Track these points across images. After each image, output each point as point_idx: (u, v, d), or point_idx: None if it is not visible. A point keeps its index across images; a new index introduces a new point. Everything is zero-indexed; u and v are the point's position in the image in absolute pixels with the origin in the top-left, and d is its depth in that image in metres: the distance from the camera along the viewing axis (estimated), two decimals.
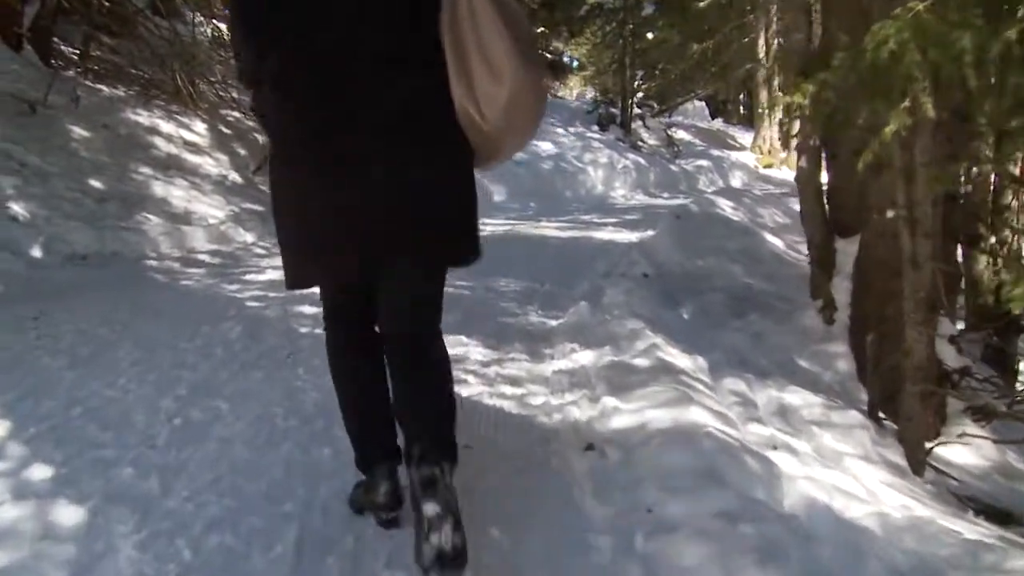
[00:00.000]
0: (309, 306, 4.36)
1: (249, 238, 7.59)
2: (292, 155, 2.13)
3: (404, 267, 2.18)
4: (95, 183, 7.22)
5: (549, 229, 8.79)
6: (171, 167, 8.30)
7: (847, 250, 4.69)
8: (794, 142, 22.39)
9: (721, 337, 4.35)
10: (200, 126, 9.51)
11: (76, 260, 6.00)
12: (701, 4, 20.85)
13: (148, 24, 10.23)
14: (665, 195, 15.12)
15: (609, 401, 3.11)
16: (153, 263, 6.23)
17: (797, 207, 10.84)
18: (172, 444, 2.81)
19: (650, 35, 18.74)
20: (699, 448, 2.54)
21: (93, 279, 5.54)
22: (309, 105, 2.05)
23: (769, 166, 21.50)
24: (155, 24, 10.31)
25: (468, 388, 3.43)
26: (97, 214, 6.69)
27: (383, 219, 2.04)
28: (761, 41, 22.01)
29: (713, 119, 30.57)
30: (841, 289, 4.66)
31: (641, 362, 3.45)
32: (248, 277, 5.80)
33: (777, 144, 22.72)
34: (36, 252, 5.85)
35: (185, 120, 9.44)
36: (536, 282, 5.59)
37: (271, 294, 5.10)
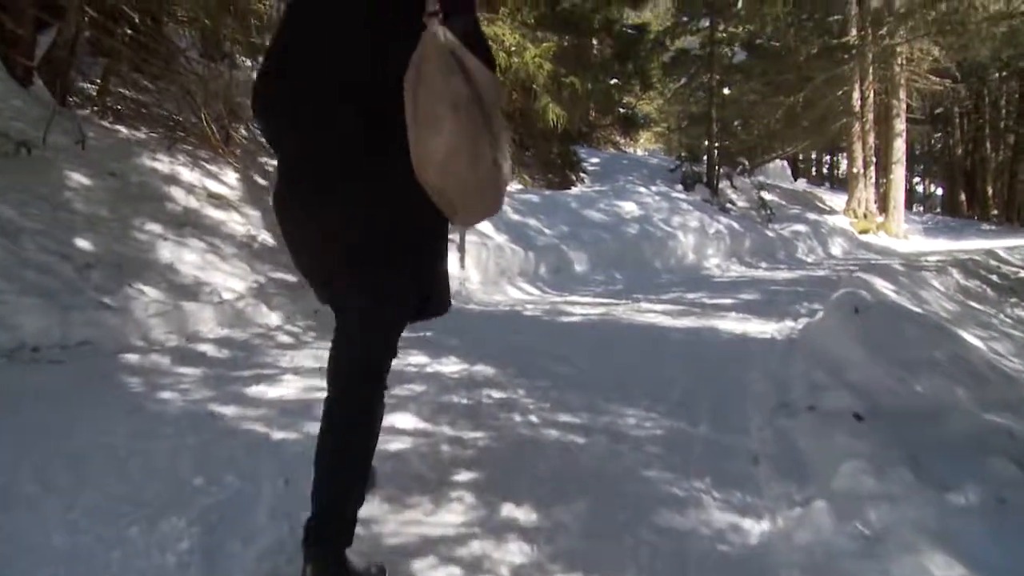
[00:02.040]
0: None
1: (274, 319, 5.90)
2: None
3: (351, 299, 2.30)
4: (82, 243, 5.65)
5: (654, 314, 6.99)
6: (187, 224, 6.72)
7: None
8: (892, 205, 20.84)
9: None
10: (231, 176, 7.96)
11: (21, 354, 4.35)
12: (806, 51, 19.32)
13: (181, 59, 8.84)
14: (763, 265, 13.24)
15: None
16: (133, 359, 4.54)
17: (935, 284, 9.09)
18: None
19: (727, 90, 17.00)
20: None
21: (30, 388, 3.86)
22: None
23: (865, 231, 19.59)
24: (186, 58, 8.89)
25: None
26: (72, 286, 5.07)
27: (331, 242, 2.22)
28: (856, 94, 20.26)
29: (795, 179, 28.78)
30: None
31: None
32: (257, 389, 4.08)
33: (873, 207, 20.84)
34: None
35: (214, 168, 7.89)
36: (680, 417, 3.78)
37: (284, 432, 3.39)
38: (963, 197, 37.94)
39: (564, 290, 8.95)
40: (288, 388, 4.13)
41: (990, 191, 36.54)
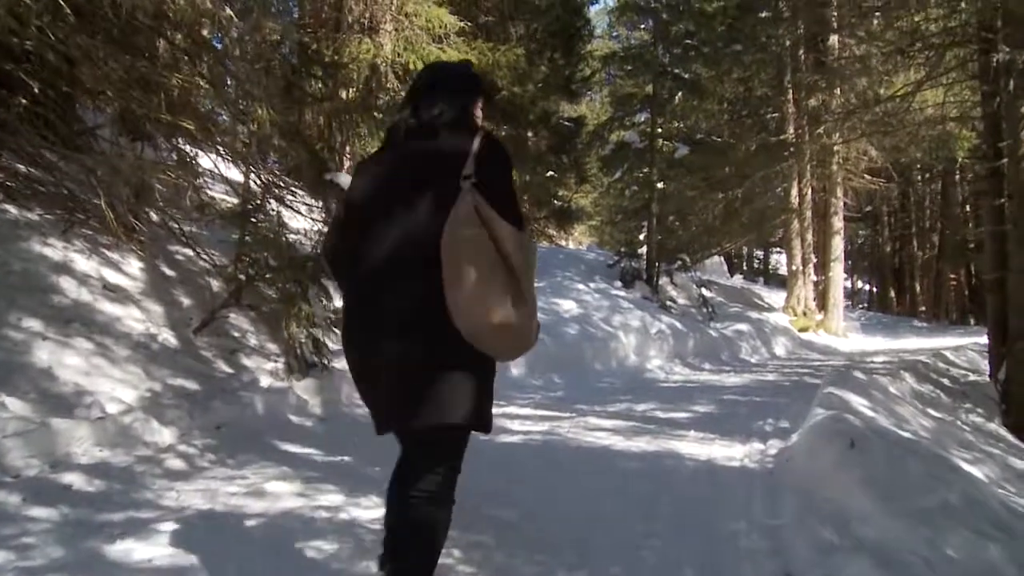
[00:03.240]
0: None
1: (166, 437, 5.02)
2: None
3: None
4: None
5: (605, 433, 6.25)
6: (74, 320, 5.84)
7: None
8: (832, 303, 20.69)
9: None
10: (134, 265, 7.08)
11: None
12: (744, 147, 19.22)
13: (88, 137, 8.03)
14: (707, 367, 12.66)
15: None
16: None
17: (893, 391, 8.55)
18: None
19: (660, 184, 16.71)
20: None
21: None
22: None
23: (805, 329, 19.32)
24: (94, 136, 8.08)
25: None
26: None
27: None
28: (795, 191, 20.21)
29: (731, 276, 28.73)
30: None
31: None
32: (121, 548, 3.21)
33: (812, 305, 20.63)
34: None
35: (115, 257, 7.02)
36: None
37: None
38: (893, 293, 38.57)
39: (500, 397, 8.09)
40: (163, 545, 3.27)
41: (918, 288, 37.23)
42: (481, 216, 2.38)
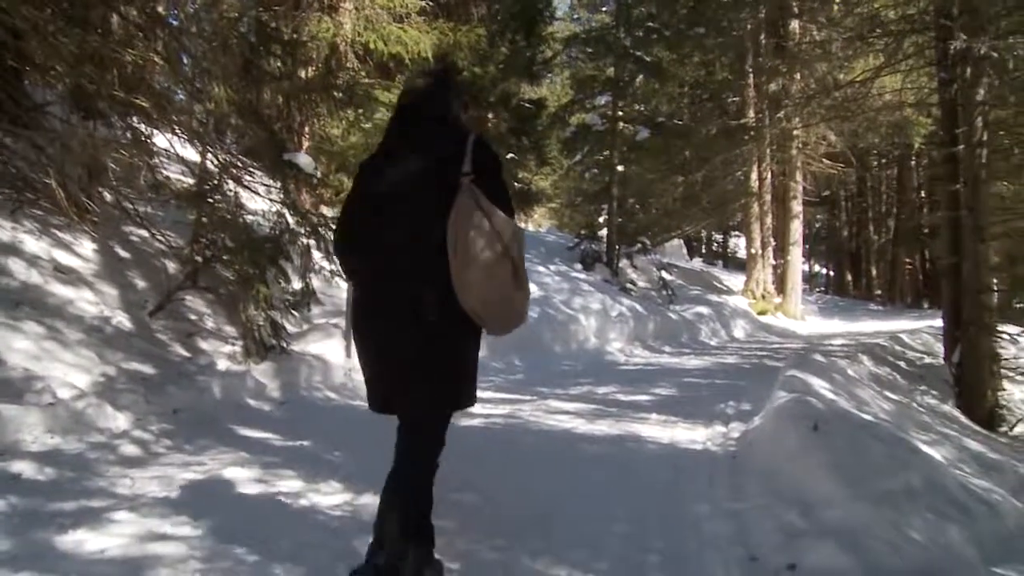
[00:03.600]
0: None
1: (121, 422, 4.92)
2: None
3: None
4: None
5: (566, 416, 6.23)
6: (23, 303, 5.69)
7: None
8: (790, 286, 20.88)
9: None
10: (87, 246, 6.93)
11: None
12: (705, 131, 19.28)
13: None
14: (667, 349, 12.70)
15: None
16: None
17: (852, 374, 8.62)
18: None
19: (620, 168, 16.70)
20: None
21: None
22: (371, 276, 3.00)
23: (764, 312, 19.47)
24: (44, 113, 7.86)
25: None
26: None
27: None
28: (754, 175, 20.33)
29: (691, 259, 28.90)
30: None
31: None
32: (73, 539, 3.13)
33: (771, 288, 20.79)
34: None
35: (67, 238, 6.86)
36: None
37: None
38: (849, 277, 39.07)
39: None
40: (116, 535, 3.19)
41: (874, 272, 37.73)
42: (481, 208, 2.76)
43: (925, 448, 4.70)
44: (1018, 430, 9.81)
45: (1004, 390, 10.53)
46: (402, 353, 2.85)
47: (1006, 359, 10.54)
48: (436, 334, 2.81)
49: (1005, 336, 10.41)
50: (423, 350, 2.82)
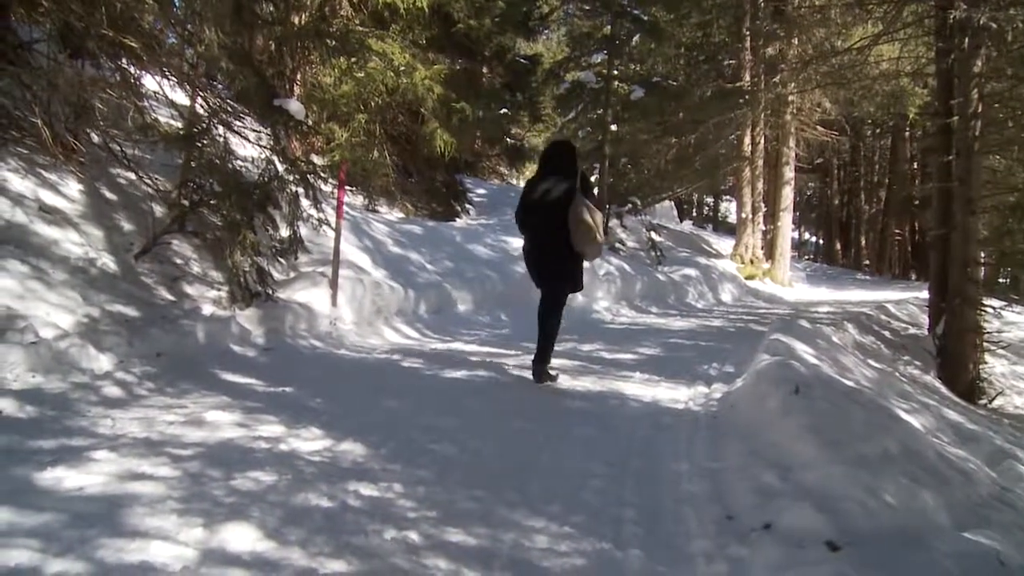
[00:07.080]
0: None
1: (103, 363, 4.91)
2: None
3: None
4: None
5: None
6: (7, 242, 5.64)
7: None
8: (779, 252, 20.91)
9: None
10: (73, 187, 6.86)
11: None
12: (700, 93, 19.17)
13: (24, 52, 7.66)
14: (654, 310, 12.74)
15: None
16: None
17: (836, 341, 8.68)
18: None
19: (614, 127, 16.56)
20: None
21: None
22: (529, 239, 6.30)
23: (752, 277, 19.51)
24: (30, 51, 7.73)
25: None
26: None
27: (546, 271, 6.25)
28: (747, 139, 20.27)
29: (681, 221, 28.85)
30: None
31: None
32: (52, 476, 3.13)
33: (760, 254, 20.82)
34: None
35: (52, 177, 6.78)
36: (603, 535, 3.00)
37: (62, 561, 2.47)
38: (839, 246, 39.10)
39: (446, 333, 8.17)
40: (95, 474, 3.19)
41: (863, 242, 37.77)
42: (587, 207, 5.81)
43: (904, 416, 4.74)
44: (997, 402, 9.91)
45: (986, 363, 10.62)
46: (549, 266, 6.06)
47: (989, 332, 10.60)
48: (564, 257, 5.92)
49: (989, 309, 10.46)
50: (559, 264, 5.98)
